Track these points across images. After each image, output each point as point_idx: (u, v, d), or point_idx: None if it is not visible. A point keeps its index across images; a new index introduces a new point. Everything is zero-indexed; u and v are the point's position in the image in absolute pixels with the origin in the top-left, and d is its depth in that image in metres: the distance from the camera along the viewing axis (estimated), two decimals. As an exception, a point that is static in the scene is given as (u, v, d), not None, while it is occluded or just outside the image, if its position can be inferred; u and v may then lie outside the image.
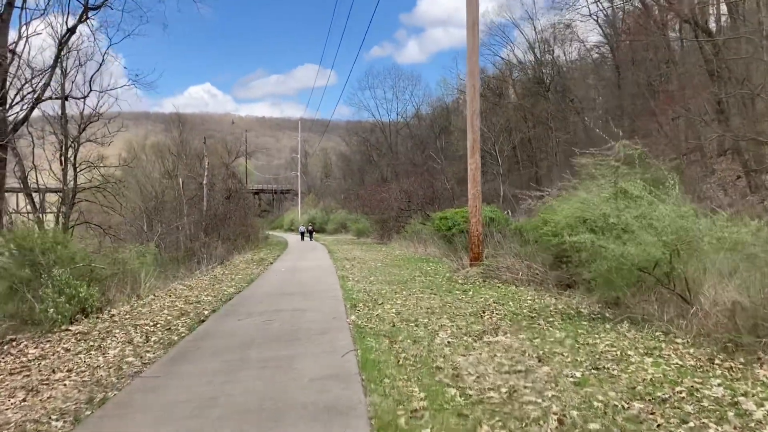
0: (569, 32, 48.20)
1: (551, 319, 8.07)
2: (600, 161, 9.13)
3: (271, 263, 21.71)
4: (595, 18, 44.57)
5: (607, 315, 8.20)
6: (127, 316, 9.79)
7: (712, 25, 34.08)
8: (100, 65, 23.37)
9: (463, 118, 63.21)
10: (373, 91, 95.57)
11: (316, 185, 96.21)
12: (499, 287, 11.71)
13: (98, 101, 33.31)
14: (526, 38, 52.48)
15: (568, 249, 10.06)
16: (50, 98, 19.85)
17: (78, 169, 33.59)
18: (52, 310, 9.11)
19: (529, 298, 10.17)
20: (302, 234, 48.45)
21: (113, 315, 9.89)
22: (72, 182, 33.03)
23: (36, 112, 25.57)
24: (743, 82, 26.71)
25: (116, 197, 36.43)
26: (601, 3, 42.68)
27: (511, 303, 9.65)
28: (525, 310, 8.91)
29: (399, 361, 5.96)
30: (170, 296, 12.49)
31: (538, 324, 7.79)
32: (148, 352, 7.10)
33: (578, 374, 5.25)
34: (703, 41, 30.20)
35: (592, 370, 5.38)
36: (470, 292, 11.10)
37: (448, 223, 19.80)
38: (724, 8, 34.86)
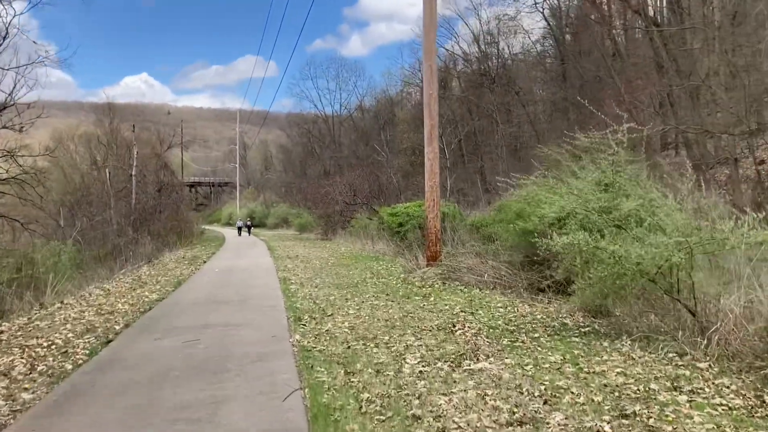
0: (514, 24, 47.67)
1: (535, 334, 6.76)
2: (593, 144, 7.86)
3: (205, 262, 19.81)
4: (541, 10, 44.19)
5: (598, 328, 6.98)
6: (18, 333, 7.93)
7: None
8: (3, 38, 20.76)
9: (408, 110, 62.28)
10: (315, 81, 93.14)
11: (256, 178, 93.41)
12: (462, 291, 10.39)
13: (14, 85, 30.35)
14: (470, 30, 51.68)
15: (542, 248, 8.87)
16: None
17: (-8, 159, 30.63)
18: None
19: (500, 304, 8.87)
20: (239, 229, 46.27)
21: (1, 332, 8.00)
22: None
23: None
24: (690, 74, 26.49)
25: (36, 189, 33.57)
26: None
27: (481, 312, 8.32)
28: (501, 322, 7.58)
29: (361, 406, 4.47)
30: (81, 304, 10.61)
31: (522, 341, 6.48)
32: (25, 390, 5.36)
33: (606, 428, 3.91)
34: (654, 31, 29.90)
35: (621, 419, 4.05)
36: (431, 298, 9.72)
37: (399, 219, 18.43)
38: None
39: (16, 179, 31.29)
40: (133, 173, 31.75)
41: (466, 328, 7.18)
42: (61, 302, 10.73)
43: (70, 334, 7.64)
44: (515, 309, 8.49)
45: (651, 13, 34.14)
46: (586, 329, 6.98)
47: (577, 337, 6.63)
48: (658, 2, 35.94)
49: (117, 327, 8.08)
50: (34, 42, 31.76)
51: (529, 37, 47.86)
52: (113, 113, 51.84)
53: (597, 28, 41.02)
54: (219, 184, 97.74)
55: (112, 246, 24.98)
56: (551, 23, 45.79)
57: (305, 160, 74.25)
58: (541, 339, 6.55)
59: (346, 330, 7.38)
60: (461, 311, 8.43)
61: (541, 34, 48.20)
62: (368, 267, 15.55)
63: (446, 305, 8.95)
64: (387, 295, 10.28)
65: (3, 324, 8.49)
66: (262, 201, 69.69)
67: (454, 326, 7.35)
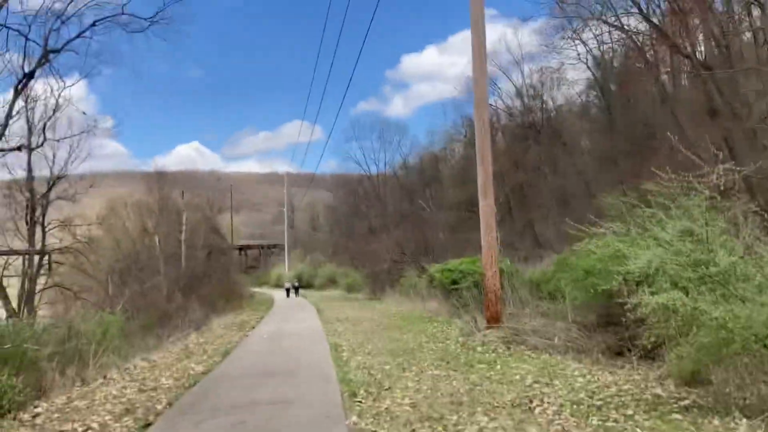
0: (558, 76, 47.23)
1: (628, 411, 5.83)
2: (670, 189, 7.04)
3: (253, 327, 19.27)
4: (585, 60, 43.65)
5: (698, 400, 6.01)
6: (55, 415, 7.39)
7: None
8: (54, 111, 21.38)
9: (453, 166, 61.95)
10: (359, 142, 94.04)
11: (303, 239, 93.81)
12: (530, 357, 9.47)
13: (68, 156, 31.32)
14: (513, 84, 51.43)
15: (618, 308, 7.98)
16: (3, 150, 17.74)
17: (47, 229, 31.36)
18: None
19: (576, 373, 7.93)
20: (287, 290, 45.94)
21: (36, 414, 7.47)
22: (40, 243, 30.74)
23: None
24: (747, 118, 25.29)
25: (89, 258, 34.08)
26: (588, 46, 41.82)
27: (558, 383, 7.40)
28: (583, 395, 6.66)
29: None
30: (124, 378, 10.09)
31: (615, 420, 5.56)
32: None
33: None
34: (705, 75, 28.91)
35: None
36: (497, 366, 8.83)
37: (453, 276, 17.59)
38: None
39: (69, 249, 31.89)
40: (183, 238, 31.95)
41: (545, 405, 6.29)
42: (104, 377, 10.23)
43: (108, 417, 7.06)
44: (596, 378, 7.54)
45: (701, 56, 33.26)
46: (686, 402, 6.01)
47: (678, 413, 5.67)
48: (706, 45, 35.06)
49: (158, 407, 7.47)
50: (83, 113, 32.70)
51: (573, 89, 47.21)
52: (163, 181, 53.09)
53: (644, 75, 40.29)
54: (268, 246, 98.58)
55: (162, 313, 24.80)
56: (596, 74, 45.11)
57: (351, 219, 74.24)
58: (636, 417, 5.62)
59: (408, 408, 6.57)
60: (534, 382, 7.53)
61: (585, 84, 47.47)
62: (422, 330, 14.70)
63: (516, 375, 8.05)
64: (447, 363, 9.43)
65: (41, 404, 7.98)
66: (310, 261, 69.59)
67: (531, 402, 6.46)
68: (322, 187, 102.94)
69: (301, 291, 49.20)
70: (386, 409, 6.58)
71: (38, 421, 7.15)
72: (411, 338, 13.08)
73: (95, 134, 28.29)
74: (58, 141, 25.57)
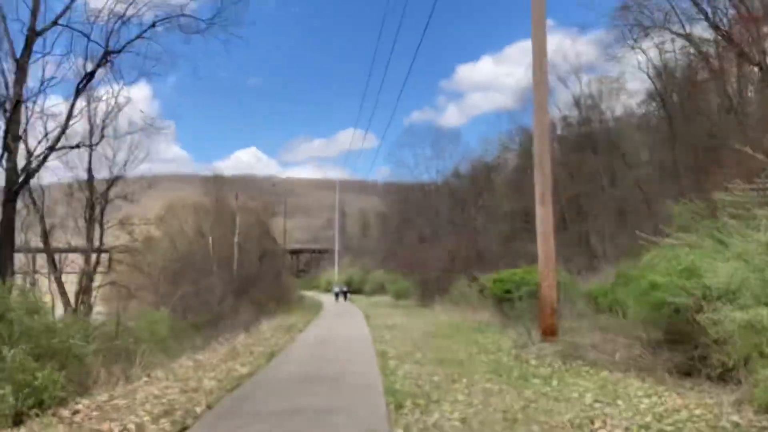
0: (617, 86, 45.76)
1: (705, 441, 5.25)
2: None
3: (301, 331, 19.11)
4: (645, 70, 42.09)
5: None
6: (94, 413, 7.26)
7: None
8: (111, 110, 21.84)
9: (506, 175, 60.85)
10: (412, 149, 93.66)
11: (353, 245, 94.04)
12: (588, 373, 8.86)
13: (127, 158, 32.10)
14: (571, 94, 50.07)
15: (690, 323, 7.37)
16: (63, 148, 18.15)
17: (105, 228, 32.18)
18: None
19: (641, 393, 7.31)
20: (336, 295, 45.95)
21: (76, 411, 7.36)
22: (98, 241, 31.55)
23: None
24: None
25: (145, 257, 34.84)
26: (649, 55, 40.31)
27: (621, 403, 6.82)
28: (650, 419, 6.08)
29: None
30: (168, 378, 9.96)
31: (689, 451, 5.00)
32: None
33: None
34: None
35: None
36: (554, 382, 8.27)
37: (505, 286, 17.00)
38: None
39: (126, 247, 32.65)
40: (236, 241, 32.30)
41: (608, 427, 5.75)
42: (148, 375, 10.14)
43: (146, 417, 6.87)
44: (663, 400, 6.91)
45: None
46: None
47: (763, 446, 5.06)
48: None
49: (198, 409, 7.24)
50: (141, 111, 33.61)
51: (632, 99, 45.53)
52: (220, 184, 54.06)
53: (709, 85, 38.61)
54: (319, 251, 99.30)
55: (213, 313, 25.03)
56: (656, 84, 43.35)
57: (401, 226, 73.86)
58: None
59: (457, 423, 6.14)
60: (595, 401, 6.96)
61: (645, 94, 45.66)
62: (473, 340, 14.18)
63: (574, 392, 7.49)
64: (500, 375, 8.92)
65: (82, 401, 7.89)
66: (360, 267, 69.55)
67: (593, 423, 5.93)
68: (373, 193, 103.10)
69: (349, 296, 49.15)
70: (434, 423, 6.15)
71: (77, 418, 7.02)
72: (461, 348, 12.60)
73: (153, 135, 28.86)
74: (116, 139, 26.12)
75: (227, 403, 7.51)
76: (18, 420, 7.04)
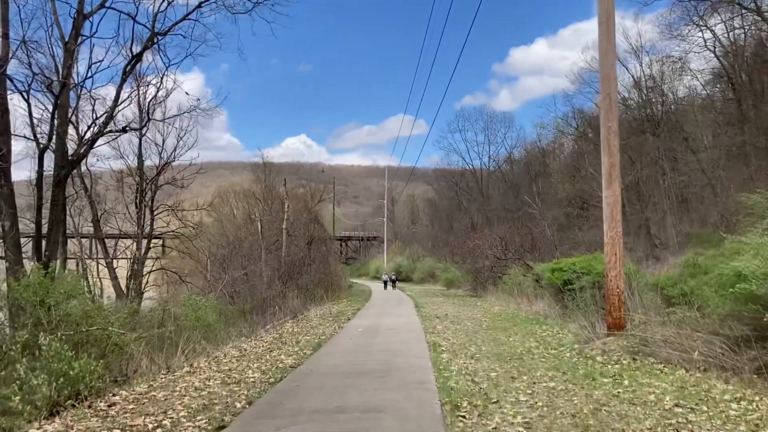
0: (680, 66, 43.48)
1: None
2: None
3: (349, 319, 18.62)
4: (712, 49, 39.76)
5: None
6: (130, 406, 6.85)
7: None
8: (158, 90, 21.67)
9: (562, 160, 59.01)
10: (463, 133, 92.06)
11: (402, 232, 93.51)
12: (663, 372, 7.98)
13: (177, 143, 32.23)
14: (630, 74, 47.93)
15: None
16: (110, 132, 17.95)
17: (155, 214, 32.47)
18: (17, 397, 6.34)
19: (727, 396, 6.44)
20: (385, 283, 45.56)
21: (112, 404, 6.97)
22: (148, 227, 31.85)
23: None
24: None
25: (194, 243, 35.05)
26: (716, 32, 38.02)
27: (706, 408, 5.98)
28: (744, 428, 5.24)
29: None
30: (211, 368, 9.57)
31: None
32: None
33: None
34: None
35: None
36: (625, 381, 7.42)
37: (565, 276, 16.03)
38: None
39: (176, 233, 32.89)
40: (284, 226, 32.07)
41: (699, 439, 4.94)
42: (191, 365, 9.77)
43: (183, 413, 6.41)
44: (755, 406, 6.03)
45: None
46: None
47: None
48: None
49: (238, 404, 6.74)
50: (186, 93, 33.54)
51: (697, 78, 43.11)
52: (269, 170, 54.20)
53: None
54: (368, 238, 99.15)
55: (261, 300, 24.82)
56: (724, 62, 40.89)
57: (452, 213, 72.97)
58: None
59: (521, 429, 5.42)
60: (676, 405, 6.13)
61: (711, 74, 43.19)
62: (530, 332, 13.35)
63: (650, 394, 6.65)
64: (563, 373, 8.12)
65: (120, 392, 7.51)
66: (409, 255, 68.93)
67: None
68: (423, 180, 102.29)
69: (399, 284, 48.67)
70: (495, 429, 5.45)
71: (112, 411, 6.62)
72: (518, 341, 11.80)
73: (201, 117, 28.76)
74: (163, 122, 26.13)
75: (268, 399, 6.98)
76: (53, 411, 6.69)
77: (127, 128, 18.03)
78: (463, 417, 5.81)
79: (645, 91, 48.67)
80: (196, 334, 13.97)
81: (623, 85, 49.98)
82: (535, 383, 7.48)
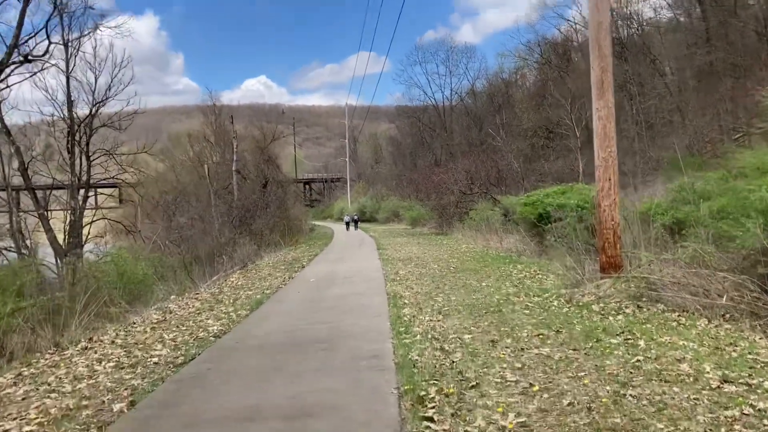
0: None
1: None
2: None
3: (303, 267, 16.72)
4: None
5: None
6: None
7: None
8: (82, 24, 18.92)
9: (526, 90, 57.09)
10: (423, 66, 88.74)
11: (366, 172, 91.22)
12: (681, 324, 6.31)
13: (111, 79, 29.20)
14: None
15: None
16: (14, 63, 15.22)
17: (92, 159, 29.62)
18: None
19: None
20: (347, 224, 44.48)
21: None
22: (84, 174, 29.08)
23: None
24: None
25: (141, 192, 32.42)
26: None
27: (756, 376, 4.30)
28: None
29: None
30: (114, 342, 7.58)
31: None
32: None
33: None
34: None
35: None
36: (639, 342, 5.69)
37: (538, 209, 14.30)
38: None
39: (116, 179, 30.21)
40: (234, 168, 29.68)
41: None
42: (90, 339, 7.76)
43: (36, 421, 4.46)
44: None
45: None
46: None
47: None
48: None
49: (116, 406, 4.80)
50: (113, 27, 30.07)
51: (662, -1, 41.24)
52: (223, 111, 50.89)
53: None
54: (331, 179, 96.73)
55: (210, 248, 22.74)
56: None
57: (415, 150, 70.91)
58: None
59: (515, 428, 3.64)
60: (723, 381, 4.41)
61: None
62: (505, 274, 11.65)
63: (680, 362, 4.92)
64: (557, 332, 6.36)
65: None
66: (373, 195, 67.04)
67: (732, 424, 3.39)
68: (385, 118, 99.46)
69: (364, 225, 47.20)
70: (478, 429, 3.65)
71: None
72: (493, 286, 10.07)
73: (115, 38, 25.86)
74: (95, 58, 23.38)
75: (161, 395, 5.03)
76: None
77: (30, 57, 15.28)
78: (431, 421, 3.96)
79: (610, 14, 46.55)
80: (119, 294, 11.97)
81: (587, 8, 47.69)
82: (523, 349, 5.70)
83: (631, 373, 4.74)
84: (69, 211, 26.90)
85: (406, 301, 9.09)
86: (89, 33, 25.77)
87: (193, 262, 20.30)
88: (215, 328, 8.06)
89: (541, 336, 6.19)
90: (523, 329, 6.59)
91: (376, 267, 15.03)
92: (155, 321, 9.16)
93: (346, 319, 7.92)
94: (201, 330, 7.98)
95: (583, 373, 4.81)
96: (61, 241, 25.24)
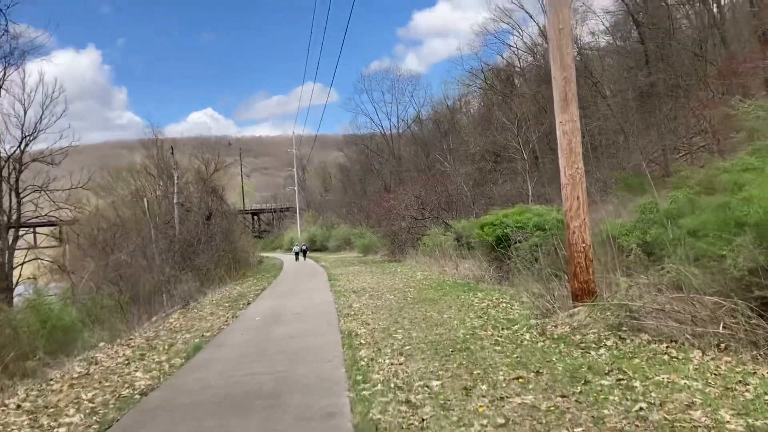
0: (584, 9, 42.61)
1: None
2: None
3: (249, 303, 15.54)
4: (615, -12, 39.00)
5: None
6: None
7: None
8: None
9: (471, 116, 57.47)
10: (370, 94, 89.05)
11: (315, 201, 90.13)
12: (673, 357, 5.62)
13: (41, 115, 27.65)
14: (536, 22, 46.74)
15: None
16: None
17: (22, 196, 27.78)
18: None
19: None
20: (297, 254, 43.86)
21: None
22: (14, 213, 27.22)
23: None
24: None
25: (70, 228, 30.50)
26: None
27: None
28: None
29: None
30: (19, 408, 6.39)
31: None
32: None
33: None
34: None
35: None
36: (634, 383, 4.94)
37: (497, 231, 13.63)
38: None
39: (48, 217, 28.33)
40: (176, 200, 28.24)
41: None
42: (-12, 406, 6.53)
43: None
44: None
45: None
46: None
47: None
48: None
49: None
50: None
51: (603, 23, 42.36)
52: (165, 144, 49.11)
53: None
54: (280, 209, 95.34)
55: (151, 286, 21.30)
56: (627, 1, 40.15)
57: (364, 177, 70.43)
58: None
59: None
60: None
61: (616, 14, 42.51)
62: (466, 303, 10.86)
63: (692, 409, 4.18)
64: (537, 372, 5.56)
65: None
66: (323, 223, 65.94)
67: None
68: (334, 147, 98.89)
69: (315, 254, 46.36)
70: None
71: None
72: (456, 318, 9.25)
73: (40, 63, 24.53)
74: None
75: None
76: None
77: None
78: None
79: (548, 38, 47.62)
80: (42, 344, 10.65)
81: (530, 35, 48.75)
82: (503, 398, 4.86)
83: (637, 426, 3.96)
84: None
85: (362, 341, 8.17)
86: (16, 64, 24.44)
87: (131, 301, 18.91)
88: (143, 382, 6.94)
89: (520, 380, 5.38)
90: (498, 371, 5.77)
91: (327, 300, 14.04)
92: (76, 375, 7.95)
93: (295, 366, 6.93)
94: (126, 386, 6.85)
95: (580, 429, 4.00)
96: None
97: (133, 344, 10.47)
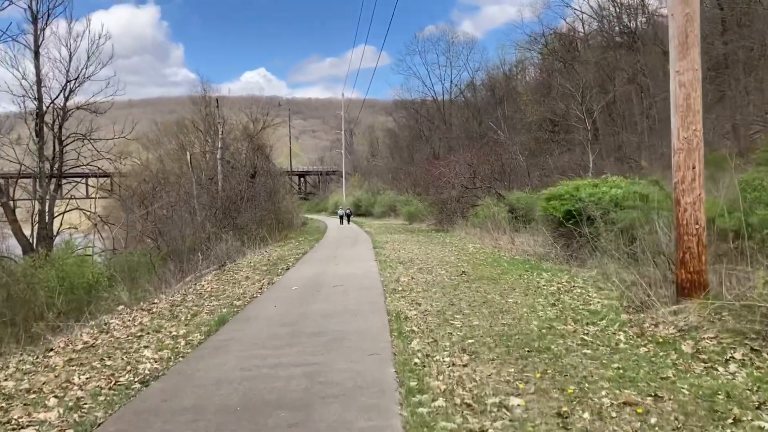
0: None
1: None
2: None
3: (288, 268, 14.39)
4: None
5: None
6: None
7: None
8: None
9: (528, 82, 54.78)
10: (423, 56, 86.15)
11: (362, 165, 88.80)
12: None
13: (86, 61, 26.90)
14: (605, -18, 43.77)
15: None
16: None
17: (64, 144, 27.27)
18: None
19: None
20: (341, 217, 43.82)
21: None
22: (57, 161, 26.73)
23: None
24: None
25: (115, 180, 30.03)
26: None
27: None
28: None
29: None
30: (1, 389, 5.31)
31: None
32: None
33: None
34: None
35: None
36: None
37: (567, 205, 12.00)
38: None
39: (90, 166, 27.79)
40: (219, 156, 27.29)
41: None
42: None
43: None
44: None
45: None
46: None
47: None
48: None
49: None
50: None
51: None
52: (209, 99, 48.38)
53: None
54: (326, 172, 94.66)
55: (191, 243, 20.47)
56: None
57: (413, 144, 68.50)
58: None
59: None
60: None
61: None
62: (533, 286, 9.37)
63: None
64: (656, 397, 4.10)
65: None
66: (368, 188, 64.73)
67: None
68: (383, 111, 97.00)
69: (359, 219, 45.60)
70: None
71: None
72: (524, 305, 7.77)
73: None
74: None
75: None
76: None
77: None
78: None
79: (620, 2, 44.65)
80: (60, 303, 9.68)
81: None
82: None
83: None
84: (36, 201, 24.64)
85: (413, 327, 6.81)
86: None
87: (168, 258, 18.08)
88: (148, 365, 5.76)
89: (635, 408, 3.92)
90: (599, 389, 4.32)
91: (372, 271, 12.74)
92: (79, 347, 6.88)
93: (332, 358, 5.63)
94: (128, 369, 5.68)
95: None
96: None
97: (154, 310, 9.41)
